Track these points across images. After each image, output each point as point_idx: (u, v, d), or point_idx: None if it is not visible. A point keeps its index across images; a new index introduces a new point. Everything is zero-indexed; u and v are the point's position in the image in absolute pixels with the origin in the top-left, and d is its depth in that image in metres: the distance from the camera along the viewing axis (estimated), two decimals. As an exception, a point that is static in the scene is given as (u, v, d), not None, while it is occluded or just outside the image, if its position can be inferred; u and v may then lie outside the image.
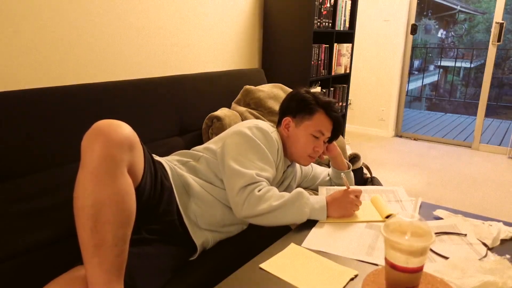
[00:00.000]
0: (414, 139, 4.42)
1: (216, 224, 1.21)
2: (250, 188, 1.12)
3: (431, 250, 0.97)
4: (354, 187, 1.21)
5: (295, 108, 1.37)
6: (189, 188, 1.20)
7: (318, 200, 1.14)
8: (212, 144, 1.31)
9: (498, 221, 1.12)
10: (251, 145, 1.21)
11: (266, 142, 1.24)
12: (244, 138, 1.22)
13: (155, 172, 1.08)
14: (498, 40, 3.74)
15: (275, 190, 1.14)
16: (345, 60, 3.15)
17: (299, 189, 1.16)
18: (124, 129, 0.89)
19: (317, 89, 2.90)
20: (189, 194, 1.20)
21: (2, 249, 1.03)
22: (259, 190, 1.12)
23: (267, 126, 1.30)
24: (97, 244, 0.81)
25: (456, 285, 0.81)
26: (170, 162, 1.25)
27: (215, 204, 1.21)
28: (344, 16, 3.03)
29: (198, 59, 2.33)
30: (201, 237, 1.17)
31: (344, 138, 2.22)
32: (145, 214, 1.05)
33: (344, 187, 1.18)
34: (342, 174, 1.43)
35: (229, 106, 1.93)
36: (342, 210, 1.14)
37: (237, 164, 1.16)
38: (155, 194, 1.07)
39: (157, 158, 1.23)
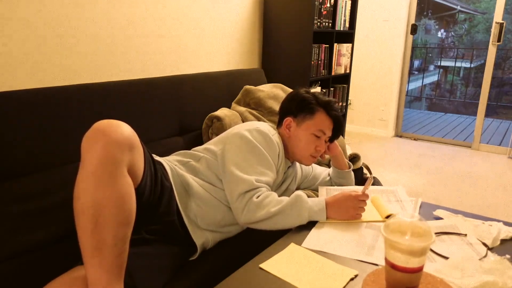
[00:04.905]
0: (414, 139, 4.42)
1: (216, 224, 1.21)
2: (249, 194, 1.12)
3: (431, 250, 0.97)
4: (356, 188, 1.21)
5: (295, 108, 1.37)
6: (189, 188, 1.20)
7: (317, 203, 1.13)
8: (212, 145, 1.31)
9: (498, 221, 1.12)
10: (251, 149, 1.21)
11: (267, 146, 1.24)
12: (245, 142, 1.22)
13: (155, 172, 1.08)
14: (498, 40, 3.74)
15: (273, 195, 1.14)
16: (345, 60, 3.15)
17: (298, 192, 1.16)
18: (124, 129, 0.89)
19: (317, 89, 2.89)
20: (189, 194, 1.20)
21: (2, 249, 1.03)
22: (257, 197, 1.12)
23: (268, 129, 1.30)
24: (97, 244, 0.81)
25: (456, 285, 0.81)
26: (170, 162, 1.25)
27: (215, 204, 1.21)
28: (344, 16, 3.03)
29: (198, 59, 2.33)
30: (201, 237, 1.17)
31: (344, 138, 2.22)
32: (145, 214, 1.05)
33: (348, 187, 1.18)
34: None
35: (229, 106, 1.93)
36: (344, 213, 1.13)
37: (237, 169, 1.16)
38: (155, 194, 1.07)
39: (157, 158, 1.23)
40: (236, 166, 1.17)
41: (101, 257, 0.81)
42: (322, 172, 1.58)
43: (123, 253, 0.85)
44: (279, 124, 1.42)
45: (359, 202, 1.13)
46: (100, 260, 0.81)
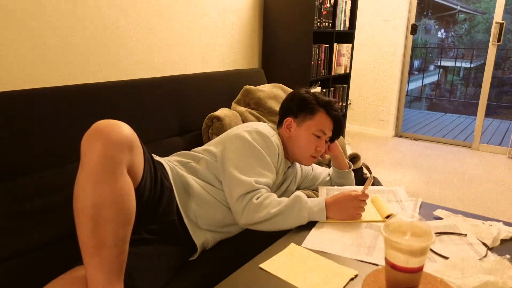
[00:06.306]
0: (414, 139, 4.42)
1: (216, 224, 1.21)
2: (248, 196, 1.12)
3: (431, 250, 0.97)
4: (356, 188, 1.21)
5: (296, 108, 1.37)
6: (189, 188, 1.20)
7: (317, 203, 1.13)
8: (212, 146, 1.31)
9: (498, 221, 1.12)
10: (251, 151, 1.21)
11: (266, 147, 1.24)
12: (244, 143, 1.22)
13: (155, 172, 1.08)
14: (498, 40, 3.74)
15: (273, 196, 1.14)
16: (345, 60, 3.15)
17: (298, 193, 1.15)
18: (123, 129, 0.89)
19: (317, 89, 2.89)
20: (189, 194, 1.20)
21: (2, 249, 1.03)
22: (257, 198, 1.12)
23: (267, 130, 1.30)
24: (97, 244, 0.81)
25: (456, 285, 0.81)
26: (170, 163, 1.25)
27: (215, 205, 1.21)
28: (344, 16, 3.03)
29: (198, 59, 2.33)
30: (201, 237, 1.17)
31: (344, 138, 2.22)
32: (145, 214, 1.05)
33: (347, 187, 1.18)
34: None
35: (229, 106, 1.93)
36: (344, 213, 1.13)
37: (236, 170, 1.16)
38: (155, 194, 1.07)
39: (157, 158, 1.23)
40: (235, 167, 1.17)
41: (101, 257, 0.81)
42: (322, 172, 1.58)
43: (123, 253, 0.85)
44: (279, 124, 1.42)
45: (359, 202, 1.13)
46: (100, 260, 0.81)
